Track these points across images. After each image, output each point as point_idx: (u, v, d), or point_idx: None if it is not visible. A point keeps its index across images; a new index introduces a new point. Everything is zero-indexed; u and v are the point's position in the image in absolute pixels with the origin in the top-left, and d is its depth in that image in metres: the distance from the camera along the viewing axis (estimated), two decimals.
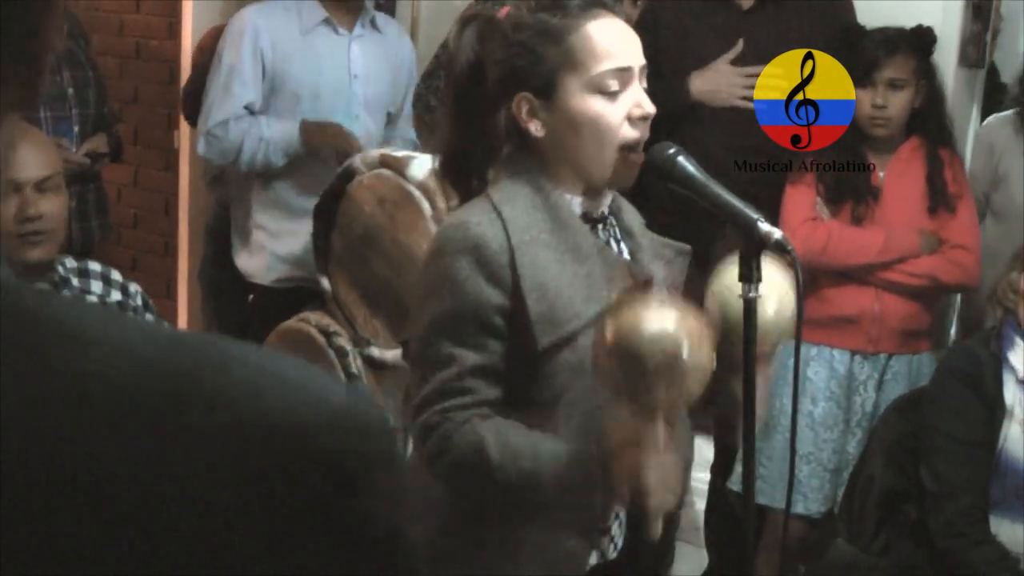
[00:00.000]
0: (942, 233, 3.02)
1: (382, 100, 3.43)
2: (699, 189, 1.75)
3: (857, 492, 2.82)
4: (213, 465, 0.58)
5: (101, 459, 0.57)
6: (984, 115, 3.56)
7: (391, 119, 3.51)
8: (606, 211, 1.85)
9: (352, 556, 0.62)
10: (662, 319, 1.57)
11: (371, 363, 3.07)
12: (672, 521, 1.93)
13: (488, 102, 1.79)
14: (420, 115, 3.46)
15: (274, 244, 3.40)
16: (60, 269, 2.23)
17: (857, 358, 3.07)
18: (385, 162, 3.01)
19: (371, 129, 3.39)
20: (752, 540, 1.84)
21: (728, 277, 1.75)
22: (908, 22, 3.05)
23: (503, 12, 1.78)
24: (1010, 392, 2.59)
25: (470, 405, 1.71)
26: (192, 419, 0.59)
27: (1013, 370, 2.59)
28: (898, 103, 3.01)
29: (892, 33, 3.02)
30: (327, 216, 3.11)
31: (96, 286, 2.26)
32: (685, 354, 1.55)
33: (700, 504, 3.45)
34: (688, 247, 1.93)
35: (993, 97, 3.81)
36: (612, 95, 1.74)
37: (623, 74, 1.75)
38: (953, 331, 3.49)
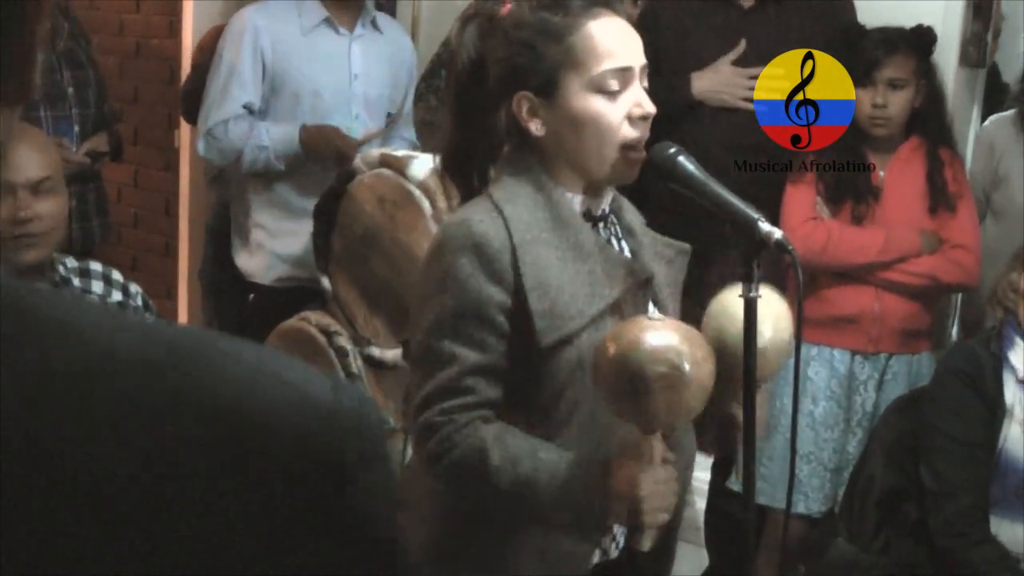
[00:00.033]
0: (942, 233, 3.02)
1: (383, 100, 3.43)
2: (699, 188, 1.75)
3: (857, 492, 2.82)
4: (209, 465, 0.58)
5: (100, 459, 0.57)
6: (985, 115, 3.56)
7: (391, 119, 3.51)
8: (607, 209, 1.85)
9: (350, 554, 0.62)
10: (665, 335, 1.57)
11: (371, 363, 3.07)
12: (674, 521, 1.93)
13: (489, 100, 1.79)
14: (421, 114, 3.46)
15: (274, 243, 3.40)
16: (61, 269, 2.23)
17: (857, 358, 3.07)
18: (385, 161, 3.01)
19: (372, 129, 3.38)
20: (752, 540, 1.84)
21: (724, 304, 1.76)
22: (909, 22, 3.05)
23: (504, 10, 1.78)
24: (1010, 392, 2.59)
25: (471, 405, 1.71)
26: (188, 419, 0.59)
27: (1013, 370, 2.59)
28: (898, 103, 3.01)
29: (892, 33, 3.02)
30: (327, 215, 3.11)
31: (97, 286, 2.26)
32: (687, 369, 1.55)
33: (700, 503, 3.45)
34: (688, 246, 1.93)
35: (994, 97, 3.81)
36: (612, 94, 1.74)
37: (624, 74, 1.75)
38: (954, 332, 3.49)
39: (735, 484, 3.05)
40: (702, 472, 3.31)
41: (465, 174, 1.86)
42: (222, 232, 3.69)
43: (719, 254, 2.55)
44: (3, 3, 0.61)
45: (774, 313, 1.76)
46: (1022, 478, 2.56)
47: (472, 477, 1.70)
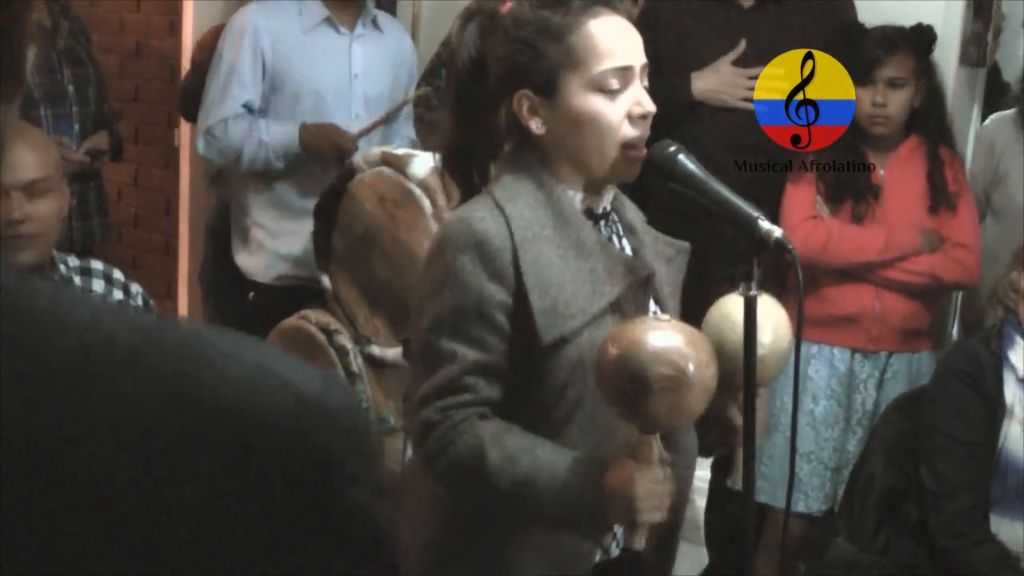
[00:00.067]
0: (942, 231, 3.02)
1: (383, 100, 3.43)
2: (699, 187, 1.75)
3: (857, 491, 2.82)
4: (200, 461, 0.58)
5: (95, 456, 0.57)
6: (985, 114, 3.56)
7: (391, 114, 3.51)
8: (608, 207, 1.85)
9: (342, 552, 0.62)
10: (668, 336, 1.57)
11: (372, 362, 3.07)
12: (676, 520, 1.94)
13: (490, 99, 1.79)
14: (421, 113, 3.46)
15: (274, 242, 3.40)
16: (62, 268, 2.23)
17: (858, 356, 3.08)
18: (386, 160, 3.01)
19: (367, 123, 3.38)
20: (752, 538, 1.84)
21: (724, 311, 1.76)
22: (909, 21, 3.05)
23: (505, 8, 1.78)
24: (1010, 391, 2.59)
25: (469, 403, 1.71)
26: (179, 415, 0.59)
27: (1013, 369, 2.59)
28: (898, 102, 3.01)
29: (892, 31, 3.02)
30: (328, 214, 3.11)
31: (98, 285, 2.26)
32: (690, 372, 1.55)
33: (700, 502, 3.45)
34: (688, 245, 1.93)
35: (995, 96, 3.81)
36: (613, 93, 1.74)
37: (624, 73, 1.75)
38: (955, 331, 3.49)
39: (734, 483, 3.05)
40: (702, 471, 3.30)
41: (465, 172, 1.86)
42: (222, 231, 3.69)
43: (719, 253, 2.56)
44: None
45: (774, 320, 1.76)
46: (1022, 477, 2.56)
47: (470, 475, 1.70)
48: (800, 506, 3.05)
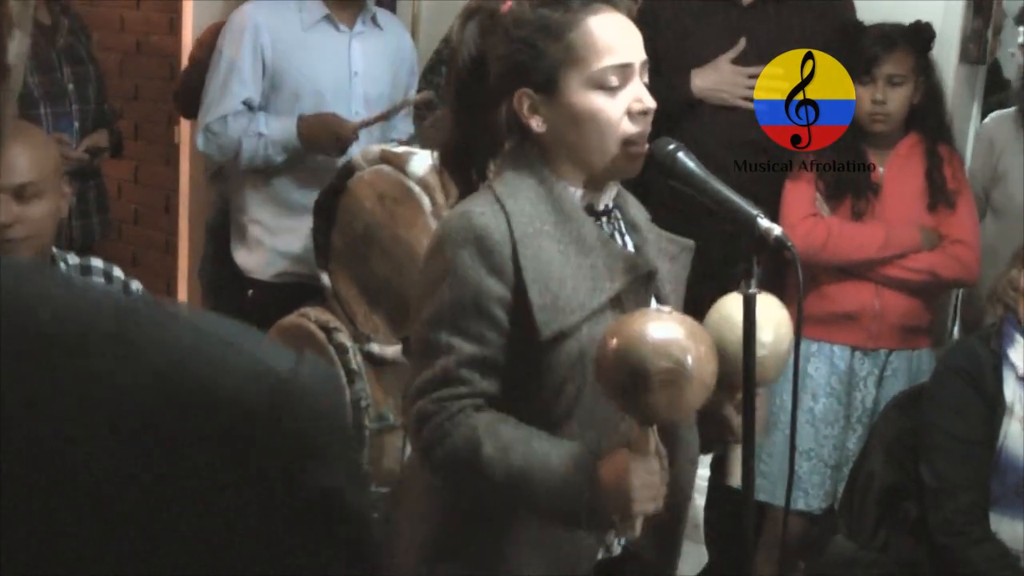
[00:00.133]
0: (942, 229, 3.03)
1: (383, 97, 3.42)
2: (699, 185, 1.75)
3: (857, 488, 2.82)
4: (164, 436, 0.58)
5: (59, 430, 0.57)
6: (985, 112, 3.56)
7: (391, 110, 3.50)
8: (610, 204, 1.85)
9: (313, 530, 0.62)
10: (669, 329, 1.57)
11: (371, 359, 3.07)
12: (679, 519, 1.94)
13: (490, 97, 1.80)
14: (421, 112, 3.46)
15: (273, 240, 3.40)
16: (62, 266, 2.23)
17: (857, 354, 3.08)
18: (385, 158, 3.01)
19: (369, 115, 3.38)
20: (752, 537, 1.84)
21: (724, 312, 1.76)
22: (909, 19, 3.05)
23: (505, 7, 1.78)
24: (1010, 389, 2.59)
25: (465, 395, 1.71)
26: (145, 390, 0.59)
27: (1013, 367, 2.59)
28: (897, 99, 3.01)
29: (891, 29, 3.02)
30: (327, 212, 3.11)
31: (98, 283, 2.26)
32: (690, 365, 1.55)
33: (700, 501, 3.45)
34: (692, 243, 1.93)
35: (996, 94, 3.81)
36: (613, 90, 1.75)
37: (624, 70, 1.75)
38: (956, 330, 3.49)
39: (734, 481, 3.05)
40: (702, 469, 3.30)
41: (464, 170, 1.86)
42: (222, 228, 3.69)
43: (718, 251, 2.56)
44: None
45: (774, 321, 1.76)
46: (1022, 476, 2.56)
47: (465, 466, 1.70)
48: (800, 504, 3.05)
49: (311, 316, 3.13)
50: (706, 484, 3.38)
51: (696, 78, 3.08)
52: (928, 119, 3.06)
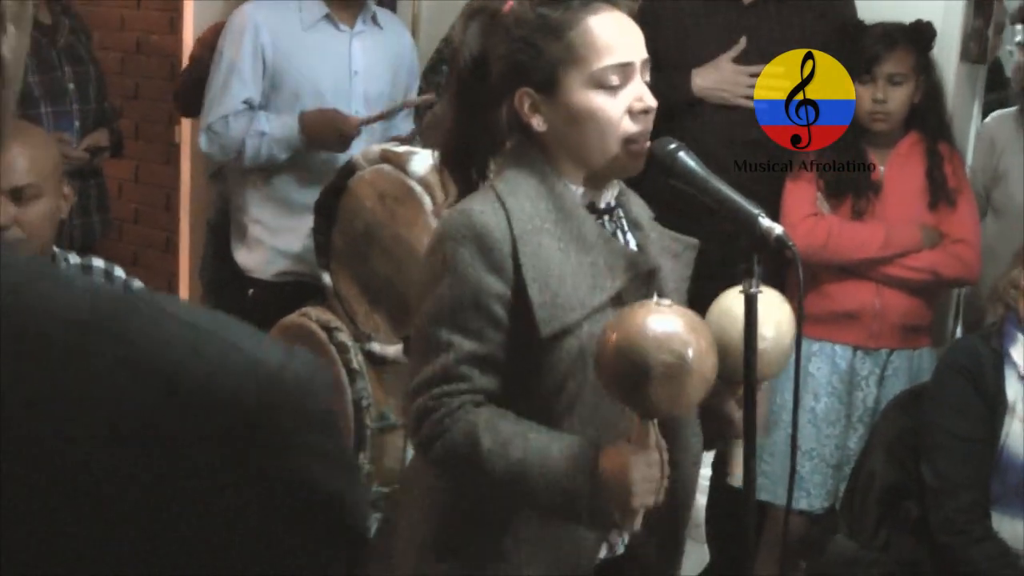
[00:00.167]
0: (942, 227, 3.02)
1: (383, 96, 3.42)
2: (700, 185, 1.75)
3: (858, 488, 2.82)
4: (151, 423, 0.58)
5: (44, 417, 0.57)
6: (986, 111, 3.56)
7: (392, 109, 3.50)
8: (613, 202, 1.85)
9: (284, 515, 0.62)
10: (670, 322, 1.57)
11: (372, 359, 3.07)
12: (682, 519, 1.94)
13: (491, 97, 1.80)
14: (420, 111, 3.46)
15: (273, 239, 3.40)
16: (63, 265, 2.23)
17: (859, 353, 3.08)
18: (386, 157, 3.01)
19: (371, 125, 3.38)
20: (753, 536, 1.84)
21: (725, 307, 1.75)
22: (910, 19, 3.05)
23: (507, 6, 1.78)
24: (1011, 388, 2.59)
25: (464, 392, 1.71)
26: (132, 380, 0.59)
27: (1015, 366, 2.59)
28: (898, 98, 3.01)
29: (891, 28, 3.02)
30: (328, 211, 3.11)
31: (91, 279, 2.26)
32: (690, 358, 1.55)
33: (701, 500, 3.45)
34: (696, 241, 1.93)
35: (997, 92, 3.81)
36: (613, 89, 1.74)
37: (624, 69, 1.75)
38: (959, 330, 3.49)
39: (735, 480, 3.05)
40: (704, 468, 3.30)
41: (464, 169, 1.86)
42: (223, 227, 3.69)
43: (719, 250, 2.56)
44: None
45: (776, 315, 1.76)
46: (1023, 475, 2.56)
47: (464, 462, 1.70)
48: (802, 503, 3.05)
49: (312, 315, 3.13)
50: (707, 483, 3.38)
51: (697, 77, 3.08)
52: (929, 118, 3.06)
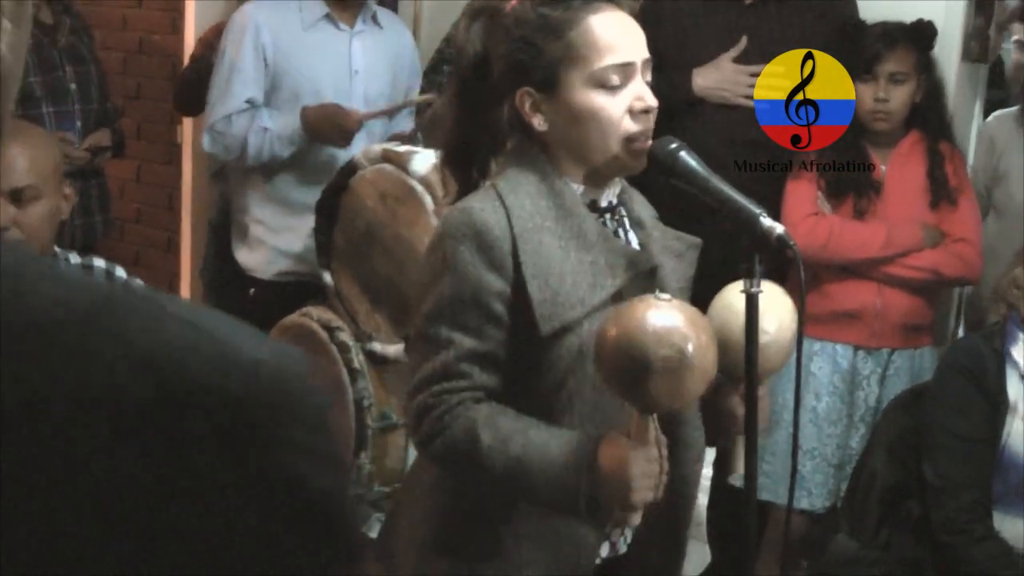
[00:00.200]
0: (944, 227, 3.02)
1: (383, 96, 3.42)
2: (701, 184, 1.75)
3: (859, 487, 2.82)
4: (136, 418, 0.58)
5: (33, 406, 0.57)
6: (987, 110, 3.56)
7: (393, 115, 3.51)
8: (615, 201, 1.85)
9: (273, 513, 0.62)
10: (670, 316, 1.57)
11: (373, 358, 3.07)
12: (685, 519, 1.94)
13: (493, 96, 1.80)
14: (421, 109, 3.46)
15: (273, 239, 3.40)
16: (63, 266, 2.23)
17: (860, 353, 3.08)
18: (387, 157, 3.01)
19: (372, 125, 3.38)
20: (754, 536, 1.84)
21: (727, 300, 1.75)
22: (911, 18, 3.05)
23: (509, 6, 1.78)
24: (1013, 388, 2.58)
25: (464, 389, 1.71)
26: (117, 372, 0.59)
27: (1016, 365, 2.59)
28: (899, 97, 3.01)
29: (892, 27, 3.02)
30: (329, 211, 3.11)
31: (78, 273, 2.25)
32: (690, 353, 1.55)
33: (702, 499, 3.45)
34: (699, 240, 1.92)
35: (1000, 90, 3.80)
36: (614, 89, 1.74)
37: (625, 69, 1.75)
38: (960, 330, 3.49)
39: (736, 480, 3.05)
40: (705, 468, 3.30)
41: (466, 168, 1.86)
42: (224, 227, 3.69)
43: (720, 250, 2.56)
44: None
45: (778, 310, 1.76)
46: None
47: (464, 458, 1.70)
48: (803, 503, 3.05)
49: (313, 315, 3.13)
50: (708, 483, 3.38)
51: (698, 77, 3.08)
52: (930, 117, 3.06)
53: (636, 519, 1.66)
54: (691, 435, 1.88)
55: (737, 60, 3.07)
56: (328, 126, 3.22)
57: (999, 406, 2.58)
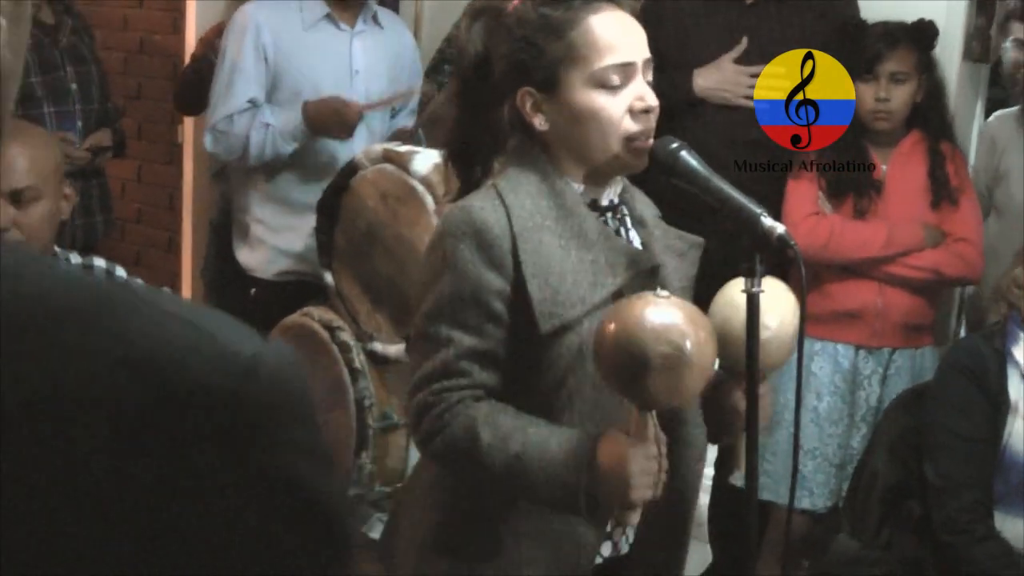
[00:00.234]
0: (945, 226, 3.02)
1: (384, 96, 3.42)
2: (702, 184, 1.75)
3: (861, 487, 2.81)
4: (128, 414, 0.59)
5: (27, 396, 0.57)
6: (989, 110, 3.56)
7: (394, 113, 3.51)
8: (616, 200, 1.85)
9: (273, 513, 0.62)
10: (668, 313, 1.57)
11: (374, 358, 3.07)
12: (687, 518, 1.94)
13: (494, 96, 1.80)
14: (424, 111, 3.46)
15: (274, 238, 3.40)
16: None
17: (861, 353, 3.07)
18: (388, 157, 3.01)
19: (373, 125, 3.38)
20: (755, 536, 1.84)
21: (729, 295, 1.75)
22: (912, 18, 3.05)
23: (511, 6, 1.78)
24: (1014, 387, 2.58)
25: (464, 387, 1.72)
26: (111, 369, 0.59)
27: (1017, 365, 2.59)
28: (900, 96, 3.01)
29: (893, 27, 3.02)
30: (330, 211, 3.11)
31: (74, 270, 2.25)
32: (689, 350, 1.55)
33: (704, 499, 3.45)
34: (701, 240, 1.92)
35: (1001, 91, 3.80)
36: (614, 89, 1.74)
37: (625, 69, 1.75)
38: (962, 329, 3.49)
39: (737, 479, 3.05)
40: (707, 468, 3.30)
41: (468, 168, 1.86)
42: (225, 227, 3.69)
43: (721, 250, 2.56)
44: None
45: (780, 306, 1.76)
46: None
47: (464, 456, 1.70)
48: (804, 503, 3.05)
49: (314, 315, 3.13)
50: (710, 483, 3.38)
51: (698, 77, 3.08)
52: (931, 117, 3.06)
53: (636, 518, 1.66)
54: (692, 434, 1.87)
55: (738, 60, 3.07)
56: (329, 118, 3.22)
57: (1000, 406, 2.58)
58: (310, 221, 3.16)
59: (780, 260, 1.73)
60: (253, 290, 3.47)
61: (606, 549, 1.86)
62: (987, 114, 3.52)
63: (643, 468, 1.61)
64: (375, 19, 3.42)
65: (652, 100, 1.76)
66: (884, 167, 3.05)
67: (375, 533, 3.09)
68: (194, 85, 3.73)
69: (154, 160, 5.03)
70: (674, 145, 1.76)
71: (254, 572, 0.61)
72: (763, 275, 1.68)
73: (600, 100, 1.74)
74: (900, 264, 3.01)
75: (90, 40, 3.86)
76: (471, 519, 1.82)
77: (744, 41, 3.06)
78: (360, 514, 3.20)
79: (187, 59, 4.17)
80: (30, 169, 2.06)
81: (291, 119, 3.23)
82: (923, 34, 3.04)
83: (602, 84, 1.74)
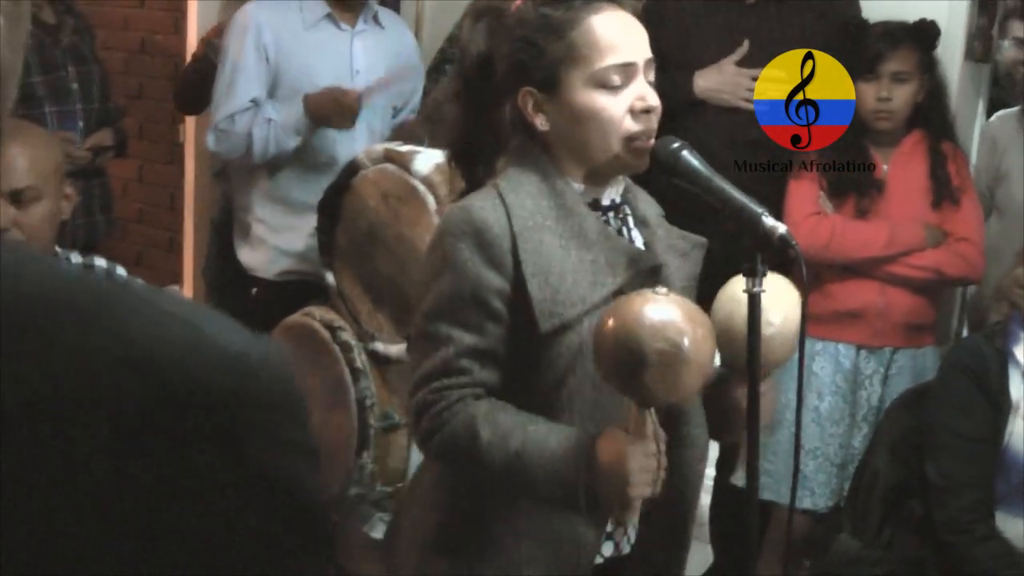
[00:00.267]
0: (946, 226, 3.02)
1: (384, 96, 3.42)
2: (703, 184, 1.75)
3: (862, 487, 2.81)
4: (119, 412, 0.59)
5: (24, 391, 0.57)
6: (990, 109, 3.56)
7: (396, 113, 3.51)
8: (618, 199, 1.85)
9: (273, 512, 0.62)
10: (666, 310, 1.57)
11: (376, 358, 3.07)
12: (688, 517, 1.94)
13: (495, 96, 1.80)
14: (425, 110, 3.46)
15: (276, 238, 3.40)
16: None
17: (863, 352, 3.07)
18: (389, 157, 3.01)
19: (374, 125, 3.38)
20: (756, 536, 1.84)
21: (732, 292, 1.75)
22: (914, 18, 3.05)
23: (513, 6, 1.78)
24: (1015, 387, 2.58)
25: (464, 385, 1.72)
26: (106, 366, 0.59)
27: (1019, 365, 2.59)
28: (902, 96, 3.01)
29: (895, 27, 3.02)
30: (331, 211, 3.11)
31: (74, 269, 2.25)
32: (686, 347, 1.55)
33: (705, 499, 3.45)
34: (704, 240, 1.92)
35: (1002, 91, 3.80)
36: (615, 89, 1.74)
37: (626, 69, 1.75)
38: (965, 330, 3.48)
39: (739, 479, 3.05)
40: (708, 468, 3.30)
41: (471, 167, 1.86)
42: (226, 227, 3.69)
43: (723, 250, 2.56)
44: None
45: (783, 302, 1.75)
46: None
47: (464, 454, 1.71)
48: (806, 503, 3.05)
49: (315, 315, 3.13)
50: (711, 483, 3.38)
51: (699, 78, 3.08)
52: (932, 117, 3.06)
53: (635, 515, 1.66)
54: (693, 434, 1.87)
55: (739, 61, 3.07)
56: (330, 107, 3.21)
57: (1001, 406, 2.58)
58: (311, 221, 3.16)
59: (781, 260, 1.73)
60: (254, 290, 3.47)
61: (607, 549, 1.86)
62: (989, 114, 3.52)
63: (642, 465, 1.61)
64: (376, 19, 3.42)
65: (653, 100, 1.76)
66: (885, 167, 3.05)
67: (377, 533, 3.09)
68: (195, 85, 3.73)
69: (155, 160, 5.04)
70: (675, 145, 1.76)
71: (254, 572, 0.61)
72: (764, 275, 1.68)
73: (601, 100, 1.74)
74: (901, 264, 3.01)
75: (91, 40, 3.86)
76: (471, 519, 1.82)
77: (746, 44, 3.06)
78: (361, 514, 3.19)
79: (188, 59, 4.18)
80: (30, 169, 2.06)
81: (292, 113, 3.24)
82: (925, 34, 3.04)
83: (603, 84, 1.74)
